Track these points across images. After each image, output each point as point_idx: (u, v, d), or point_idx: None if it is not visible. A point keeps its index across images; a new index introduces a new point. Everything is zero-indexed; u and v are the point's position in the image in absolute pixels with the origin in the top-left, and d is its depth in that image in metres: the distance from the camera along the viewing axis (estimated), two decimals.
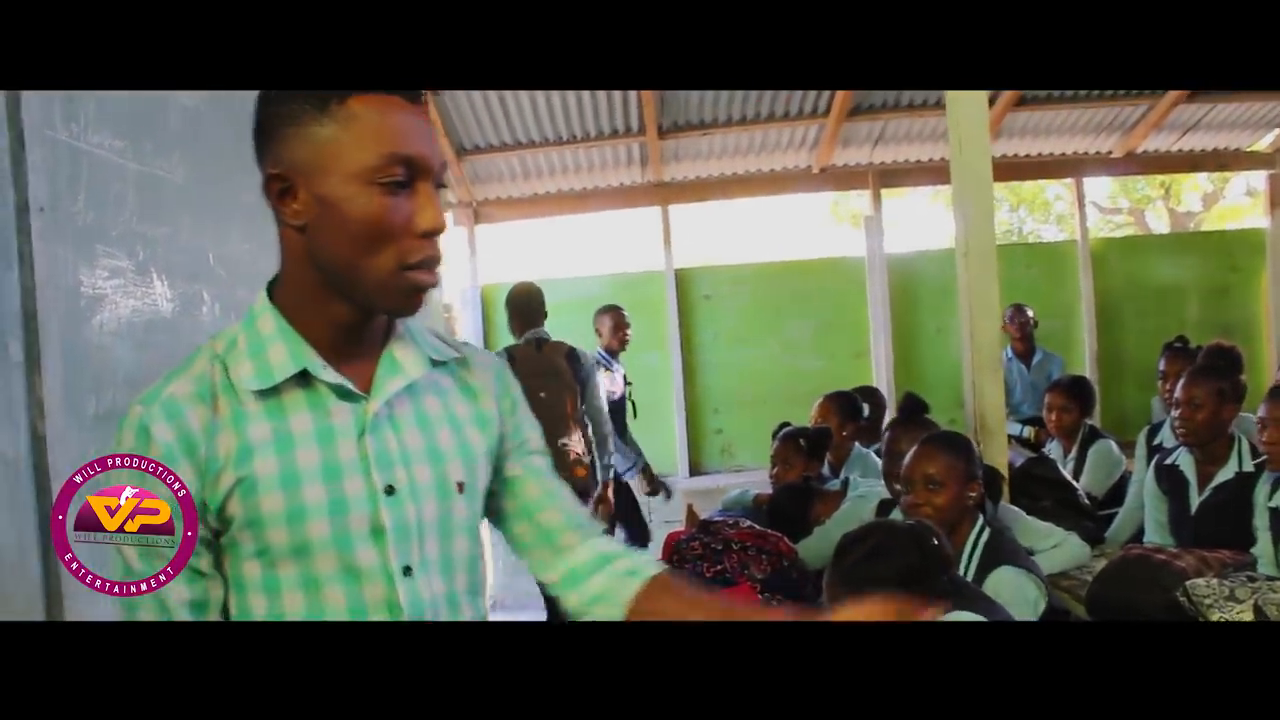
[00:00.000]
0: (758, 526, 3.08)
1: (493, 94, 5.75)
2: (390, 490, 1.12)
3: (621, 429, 5.33)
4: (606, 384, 5.05)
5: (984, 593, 2.32)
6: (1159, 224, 14.44)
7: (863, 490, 3.36)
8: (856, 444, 4.15)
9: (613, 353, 5.48)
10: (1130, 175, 11.01)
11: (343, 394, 1.12)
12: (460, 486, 1.17)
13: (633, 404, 5.51)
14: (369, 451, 1.11)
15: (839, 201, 14.31)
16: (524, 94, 5.80)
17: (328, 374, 1.11)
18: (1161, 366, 4.40)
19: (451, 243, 6.47)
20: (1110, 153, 7.24)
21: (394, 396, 1.14)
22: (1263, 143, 7.36)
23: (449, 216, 5.91)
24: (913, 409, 3.40)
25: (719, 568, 2.85)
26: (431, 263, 1.09)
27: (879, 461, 4.02)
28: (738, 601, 2.33)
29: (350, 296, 1.10)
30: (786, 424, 4.07)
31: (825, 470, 3.91)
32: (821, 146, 6.81)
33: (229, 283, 2.13)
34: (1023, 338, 6.29)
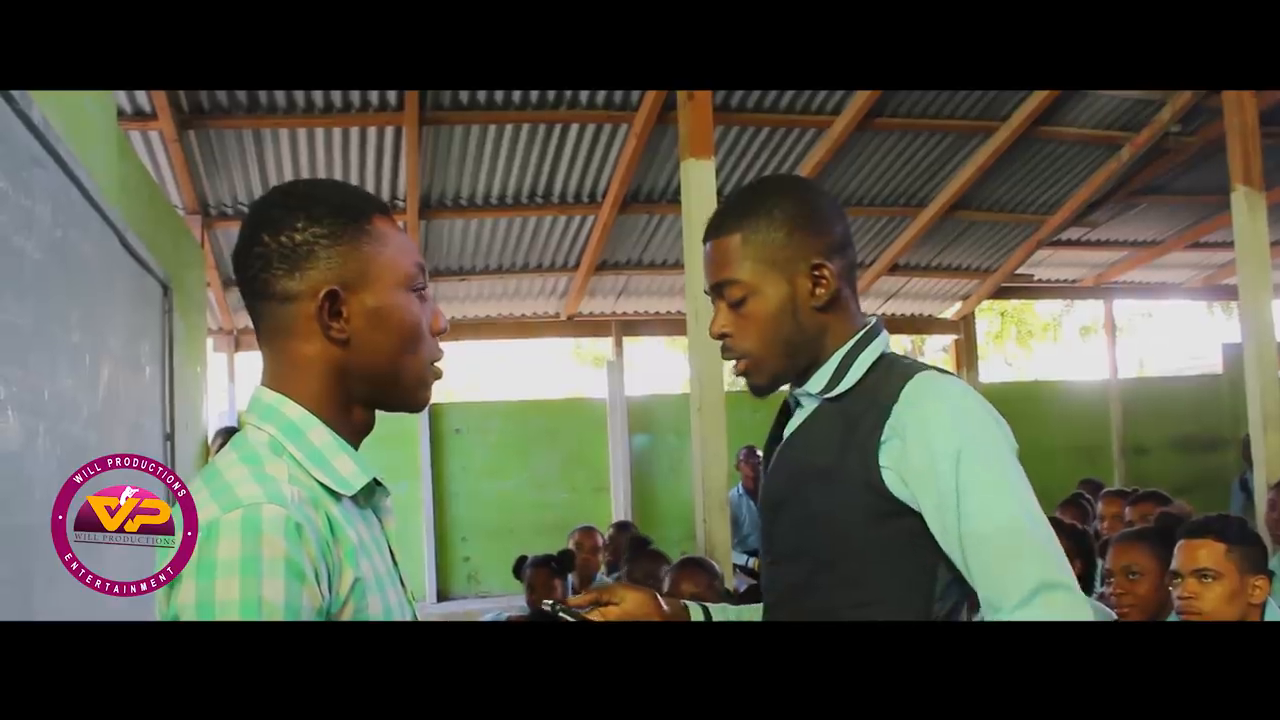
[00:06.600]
0: None
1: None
2: (413, 599, 1.18)
3: None
4: None
5: None
6: None
7: None
8: (600, 572, 4.65)
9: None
10: None
11: (377, 508, 1.18)
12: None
13: None
14: (398, 560, 1.18)
15: (580, 345, 14.99)
16: None
17: (385, 487, 1.17)
18: None
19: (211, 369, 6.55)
20: None
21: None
22: (949, 312, 8.59)
23: (210, 343, 6.02)
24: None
25: None
26: (441, 358, 1.19)
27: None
28: None
29: (384, 399, 1.16)
30: (524, 557, 4.43)
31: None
32: (570, 296, 7.40)
33: (58, 417, 2.34)
34: (754, 476, 6.74)
